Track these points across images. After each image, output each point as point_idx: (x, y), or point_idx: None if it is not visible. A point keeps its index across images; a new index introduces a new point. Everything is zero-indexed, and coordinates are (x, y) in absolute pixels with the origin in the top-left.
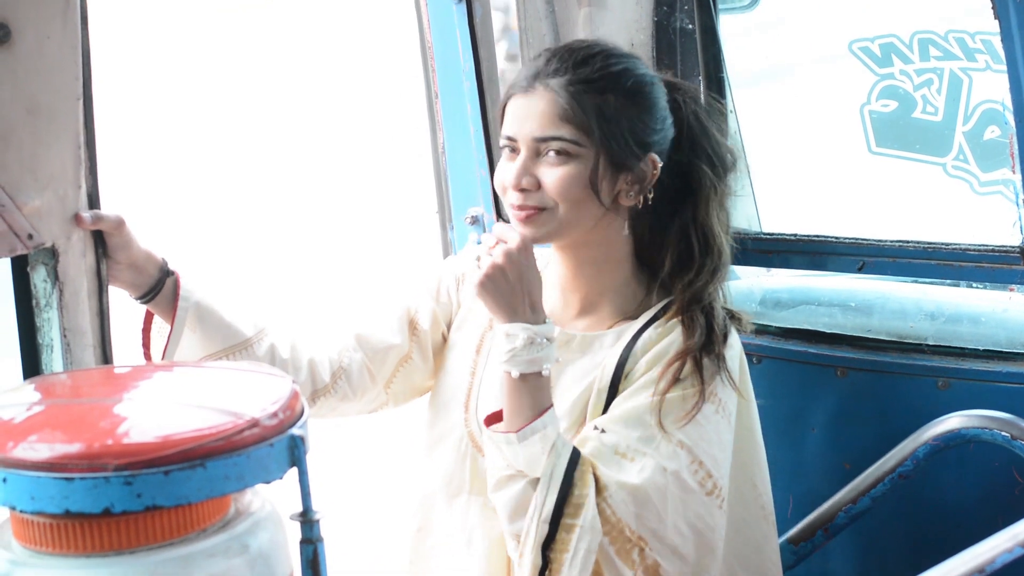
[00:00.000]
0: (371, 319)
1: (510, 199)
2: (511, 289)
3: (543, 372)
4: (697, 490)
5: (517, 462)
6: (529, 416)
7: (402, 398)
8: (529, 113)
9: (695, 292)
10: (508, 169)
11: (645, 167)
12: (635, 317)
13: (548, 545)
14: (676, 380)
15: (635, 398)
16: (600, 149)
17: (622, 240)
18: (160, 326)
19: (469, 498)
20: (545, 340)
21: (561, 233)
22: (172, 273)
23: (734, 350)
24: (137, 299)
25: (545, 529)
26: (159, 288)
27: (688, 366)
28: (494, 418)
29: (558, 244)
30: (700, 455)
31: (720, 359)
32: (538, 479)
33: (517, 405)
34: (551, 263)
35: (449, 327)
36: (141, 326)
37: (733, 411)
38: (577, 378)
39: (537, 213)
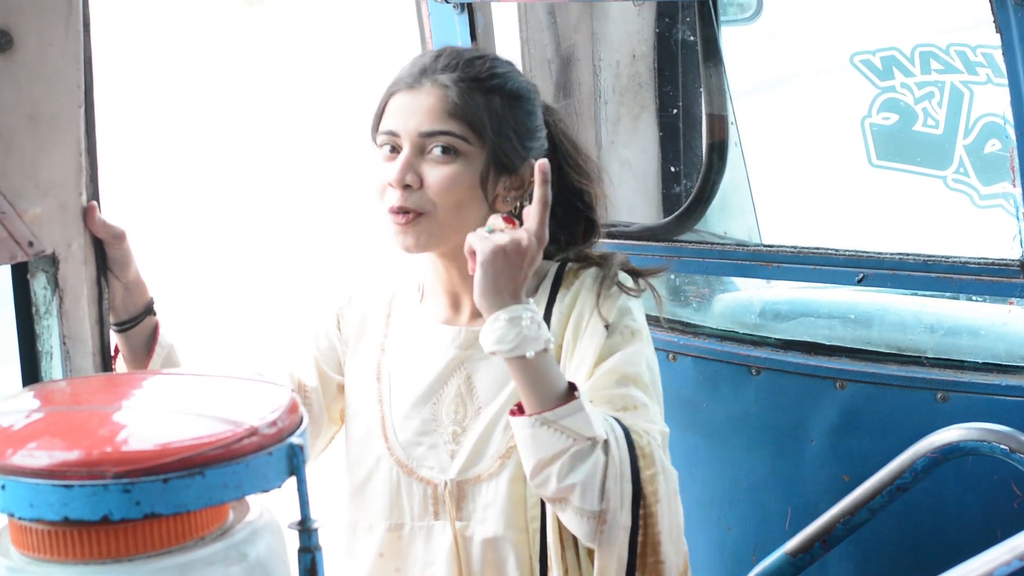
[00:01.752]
0: None
1: (389, 200)
2: (511, 273)
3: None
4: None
5: (578, 428)
6: (565, 383)
7: (311, 459)
8: (416, 108)
9: (579, 250)
10: (389, 167)
11: (525, 171)
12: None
13: (638, 503)
14: (603, 350)
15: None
16: (489, 147)
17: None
18: (123, 362)
19: (413, 526)
20: (538, 317)
21: (442, 238)
22: (154, 313)
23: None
24: (114, 324)
25: (629, 487)
26: (138, 321)
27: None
28: (519, 410)
29: (439, 252)
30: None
31: (614, 284)
32: (591, 441)
33: (549, 379)
34: (429, 275)
35: (341, 368)
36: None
37: (643, 322)
38: (501, 376)
39: (416, 219)
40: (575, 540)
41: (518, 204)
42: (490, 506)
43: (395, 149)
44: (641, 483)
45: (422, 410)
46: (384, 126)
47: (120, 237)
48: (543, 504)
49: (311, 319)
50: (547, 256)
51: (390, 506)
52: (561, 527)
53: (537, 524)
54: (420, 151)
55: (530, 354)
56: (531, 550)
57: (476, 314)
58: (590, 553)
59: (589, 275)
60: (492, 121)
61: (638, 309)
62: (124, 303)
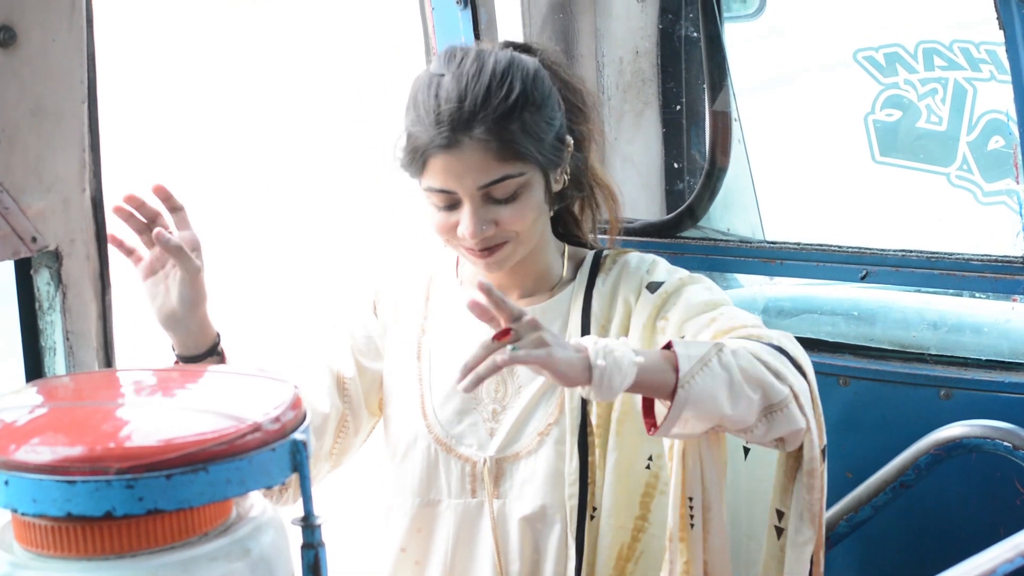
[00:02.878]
0: (302, 389)
1: (468, 245)
2: (554, 339)
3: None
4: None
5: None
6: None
7: (345, 457)
8: (465, 168)
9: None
10: (462, 223)
11: (566, 153)
12: (566, 277)
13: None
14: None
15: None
16: (540, 166)
17: (547, 224)
18: None
19: (449, 502)
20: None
21: (527, 251)
22: (220, 352)
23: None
24: (180, 356)
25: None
26: (205, 357)
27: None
28: (651, 420)
29: (508, 267)
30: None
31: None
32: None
33: (662, 370)
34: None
35: (381, 356)
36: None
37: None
38: None
39: (501, 247)
40: (619, 518)
41: (564, 178)
42: (527, 483)
43: (450, 197)
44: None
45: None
46: (434, 184)
47: (197, 242)
48: (582, 480)
49: (345, 311)
50: (581, 245)
51: (427, 482)
52: (602, 503)
53: (575, 501)
54: (483, 200)
55: (631, 368)
56: (567, 527)
57: (516, 296)
58: (629, 533)
59: (631, 258)
60: (534, 143)
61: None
62: (194, 339)
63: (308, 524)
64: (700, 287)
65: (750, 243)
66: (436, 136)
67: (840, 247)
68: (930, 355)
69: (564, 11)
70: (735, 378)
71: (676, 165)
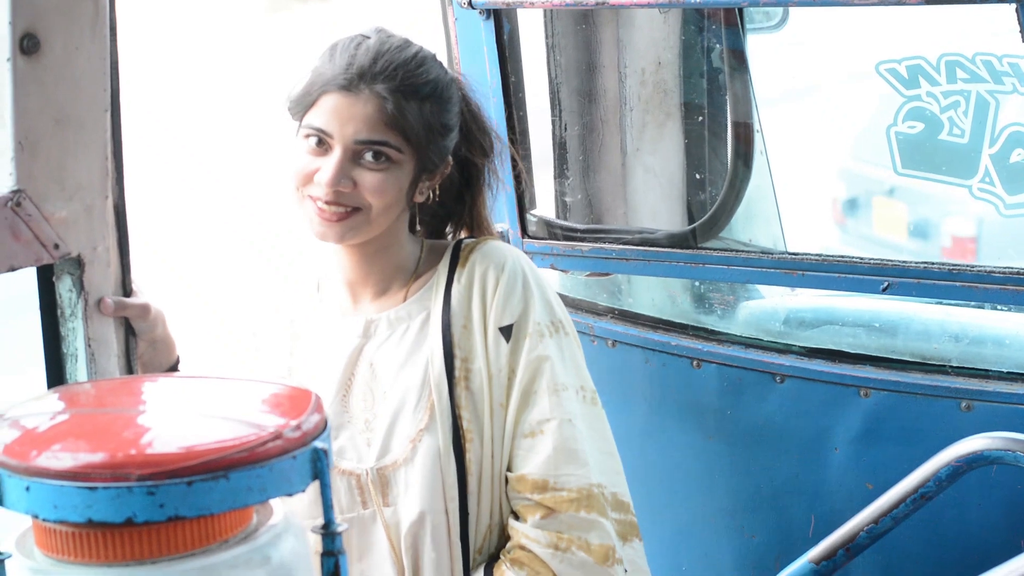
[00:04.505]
0: None
1: (319, 194)
2: None
3: None
4: (594, 410)
5: None
6: None
7: None
8: (353, 115)
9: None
10: (318, 162)
11: (443, 168)
12: (421, 270)
13: None
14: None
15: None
16: (418, 156)
17: (403, 224)
18: None
19: (343, 518)
20: None
21: (369, 233)
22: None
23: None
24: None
25: None
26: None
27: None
28: None
29: (356, 243)
30: (580, 381)
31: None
32: None
33: None
34: (330, 268)
35: None
36: None
37: (568, 321)
38: (399, 358)
39: (351, 214)
40: (495, 517)
41: (431, 194)
42: (410, 489)
43: (322, 143)
44: None
45: (335, 404)
46: (315, 122)
47: (144, 311)
48: (460, 482)
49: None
50: (440, 236)
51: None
52: (480, 503)
53: (455, 504)
54: (353, 155)
55: None
56: (450, 529)
57: (373, 299)
58: (504, 531)
59: (484, 254)
60: (423, 130)
61: (540, 299)
62: (151, 360)
63: (328, 532)
64: (550, 366)
65: (772, 254)
66: (340, 75)
67: (862, 259)
68: (951, 367)
69: (586, 21)
70: None
71: (698, 176)
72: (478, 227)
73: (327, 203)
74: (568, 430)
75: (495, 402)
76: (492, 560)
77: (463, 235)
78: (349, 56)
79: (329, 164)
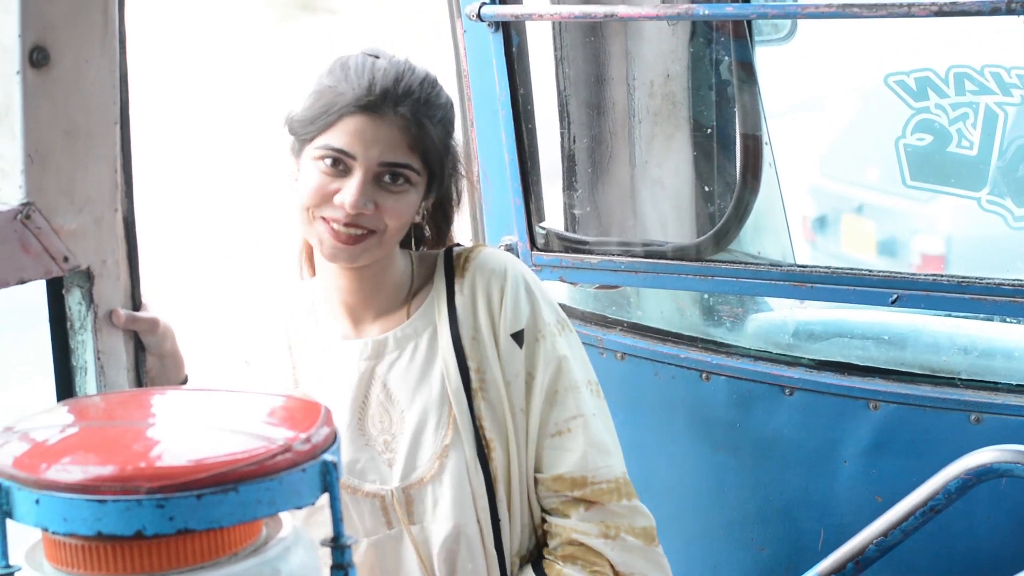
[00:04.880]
0: None
1: (336, 215)
2: None
3: None
4: (601, 401)
5: None
6: None
7: None
8: (378, 138)
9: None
10: (345, 190)
11: (447, 186)
12: (416, 285)
13: None
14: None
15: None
16: (431, 177)
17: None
18: None
19: (368, 542)
20: None
21: (379, 255)
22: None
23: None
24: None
25: None
26: None
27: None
28: None
29: (358, 265)
30: (588, 376)
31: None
32: None
33: None
34: (325, 294)
35: None
36: None
37: (565, 316)
38: (414, 377)
39: (366, 236)
40: (525, 518)
41: (425, 212)
42: (439, 504)
43: (338, 163)
44: None
45: (351, 428)
46: (336, 143)
47: (152, 326)
48: (489, 492)
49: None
50: (408, 246)
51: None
52: (510, 508)
53: (487, 513)
54: (375, 178)
55: None
56: (484, 538)
57: (375, 320)
58: (533, 531)
59: (484, 261)
60: (441, 152)
61: (544, 302)
62: (159, 376)
63: (338, 545)
64: (569, 366)
65: (780, 266)
66: (363, 97)
67: (871, 271)
68: (961, 379)
69: (595, 34)
70: None
71: (706, 188)
72: (448, 238)
73: (345, 225)
74: (594, 424)
75: (515, 408)
76: (534, 561)
77: (427, 246)
78: (369, 77)
79: (352, 186)
